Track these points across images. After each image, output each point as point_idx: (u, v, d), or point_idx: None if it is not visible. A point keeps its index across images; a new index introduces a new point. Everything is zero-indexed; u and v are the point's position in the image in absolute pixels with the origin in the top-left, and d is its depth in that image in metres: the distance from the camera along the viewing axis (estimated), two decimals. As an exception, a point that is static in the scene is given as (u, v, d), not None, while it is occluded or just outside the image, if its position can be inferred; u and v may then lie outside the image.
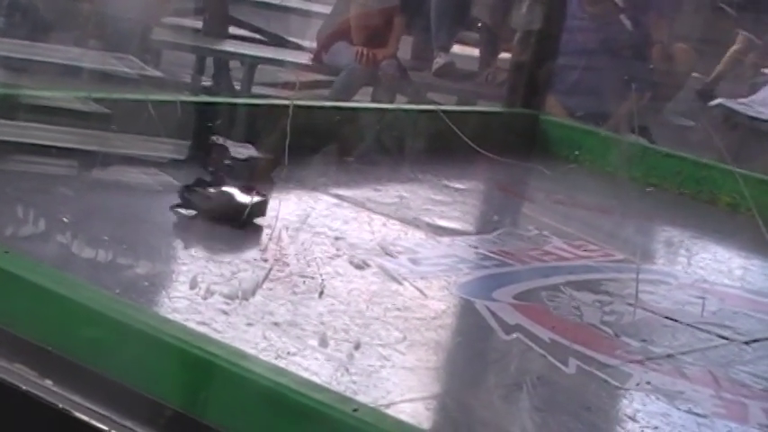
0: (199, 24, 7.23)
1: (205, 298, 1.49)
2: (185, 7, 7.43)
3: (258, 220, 1.85)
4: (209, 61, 7.07)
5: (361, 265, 1.77)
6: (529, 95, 3.02)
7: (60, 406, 1.23)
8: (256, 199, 1.85)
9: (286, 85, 5.81)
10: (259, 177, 2.02)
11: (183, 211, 1.84)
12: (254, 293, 1.52)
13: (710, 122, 6.16)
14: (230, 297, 1.50)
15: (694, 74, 7.37)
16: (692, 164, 2.79)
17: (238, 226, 1.82)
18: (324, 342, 1.43)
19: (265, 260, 1.69)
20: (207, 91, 6.48)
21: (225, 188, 1.87)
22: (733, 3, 7.22)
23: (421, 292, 1.72)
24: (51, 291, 1.29)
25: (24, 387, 1.25)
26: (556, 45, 3.13)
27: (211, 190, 1.85)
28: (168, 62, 6.77)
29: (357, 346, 1.44)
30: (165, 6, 7.00)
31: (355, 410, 1.12)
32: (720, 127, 6.21)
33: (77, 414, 1.22)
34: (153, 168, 1.98)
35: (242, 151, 2.05)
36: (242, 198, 1.85)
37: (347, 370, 1.38)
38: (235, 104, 2.39)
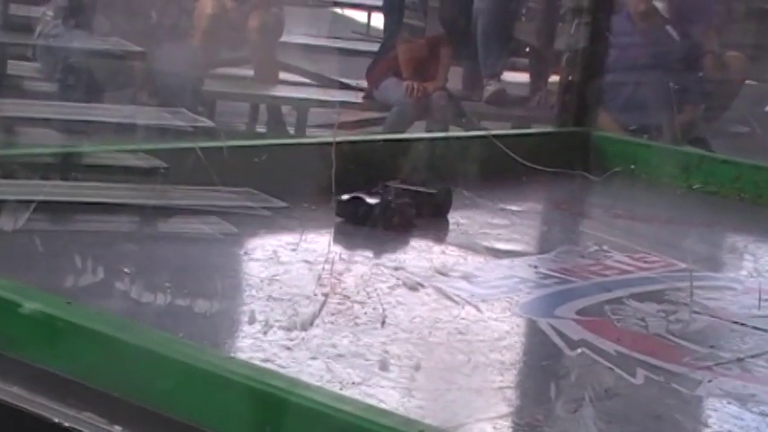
0: (249, 73, 7.30)
1: (265, 332, 1.51)
2: (234, 57, 7.51)
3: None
4: (263, 108, 7.13)
5: (420, 292, 1.77)
6: (580, 114, 3.00)
7: (131, 451, 1.24)
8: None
9: (341, 125, 5.85)
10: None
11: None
12: (311, 324, 1.53)
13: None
14: (289, 329, 1.51)
15: (748, 81, 7.31)
16: (750, 168, 2.77)
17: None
18: (388, 369, 1.44)
19: (325, 295, 1.70)
20: (262, 137, 6.53)
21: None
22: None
23: (483, 314, 1.72)
24: (115, 338, 1.30)
25: (95, 435, 1.26)
26: (603, 62, 3.12)
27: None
28: (222, 112, 6.83)
29: (417, 368, 1.44)
30: (213, 58, 7.08)
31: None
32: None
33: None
34: (214, 217, 2.00)
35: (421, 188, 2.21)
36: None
37: (413, 395, 1.38)
38: (285, 144, 2.41)
